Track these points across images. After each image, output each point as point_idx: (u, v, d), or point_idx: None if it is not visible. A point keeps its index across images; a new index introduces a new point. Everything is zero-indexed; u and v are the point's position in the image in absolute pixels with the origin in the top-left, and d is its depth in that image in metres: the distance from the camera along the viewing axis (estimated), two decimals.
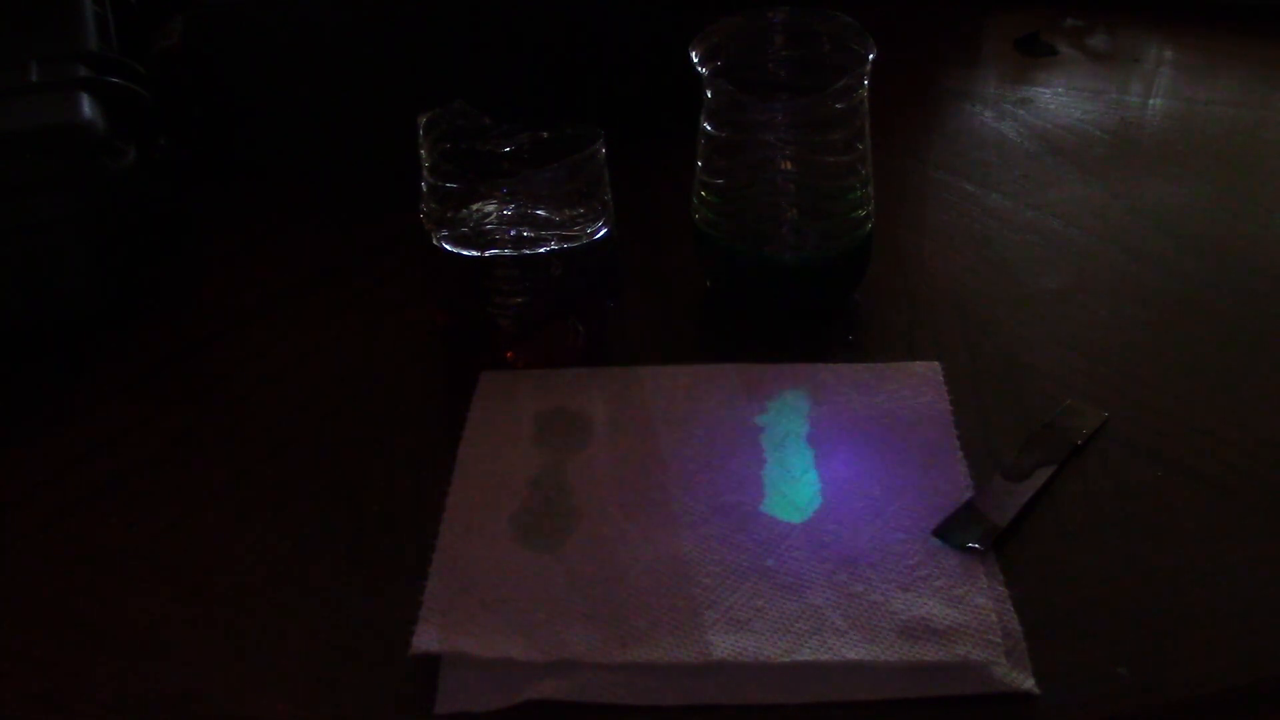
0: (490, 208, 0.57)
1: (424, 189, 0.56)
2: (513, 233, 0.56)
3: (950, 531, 0.47)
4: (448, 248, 0.56)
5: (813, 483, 0.50)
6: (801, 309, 0.62)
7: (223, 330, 0.64)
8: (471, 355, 0.58)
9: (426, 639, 0.43)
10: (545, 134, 0.58)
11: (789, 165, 0.58)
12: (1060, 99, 0.86)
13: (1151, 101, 0.87)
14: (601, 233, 0.57)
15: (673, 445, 0.52)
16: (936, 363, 0.57)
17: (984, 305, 0.63)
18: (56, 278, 0.62)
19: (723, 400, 0.55)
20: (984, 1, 1.03)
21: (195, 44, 0.76)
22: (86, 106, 0.62)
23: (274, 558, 0.48)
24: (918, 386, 0.55)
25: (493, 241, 0.56)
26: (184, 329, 0.64)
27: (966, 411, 0.54)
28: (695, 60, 0.57)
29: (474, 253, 0.56)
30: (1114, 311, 0.62)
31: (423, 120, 0.56)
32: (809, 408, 0.54)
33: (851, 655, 0.42)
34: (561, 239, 0.56)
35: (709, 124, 0.58)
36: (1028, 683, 0.41)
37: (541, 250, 0.56)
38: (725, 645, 0.42)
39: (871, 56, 0.56)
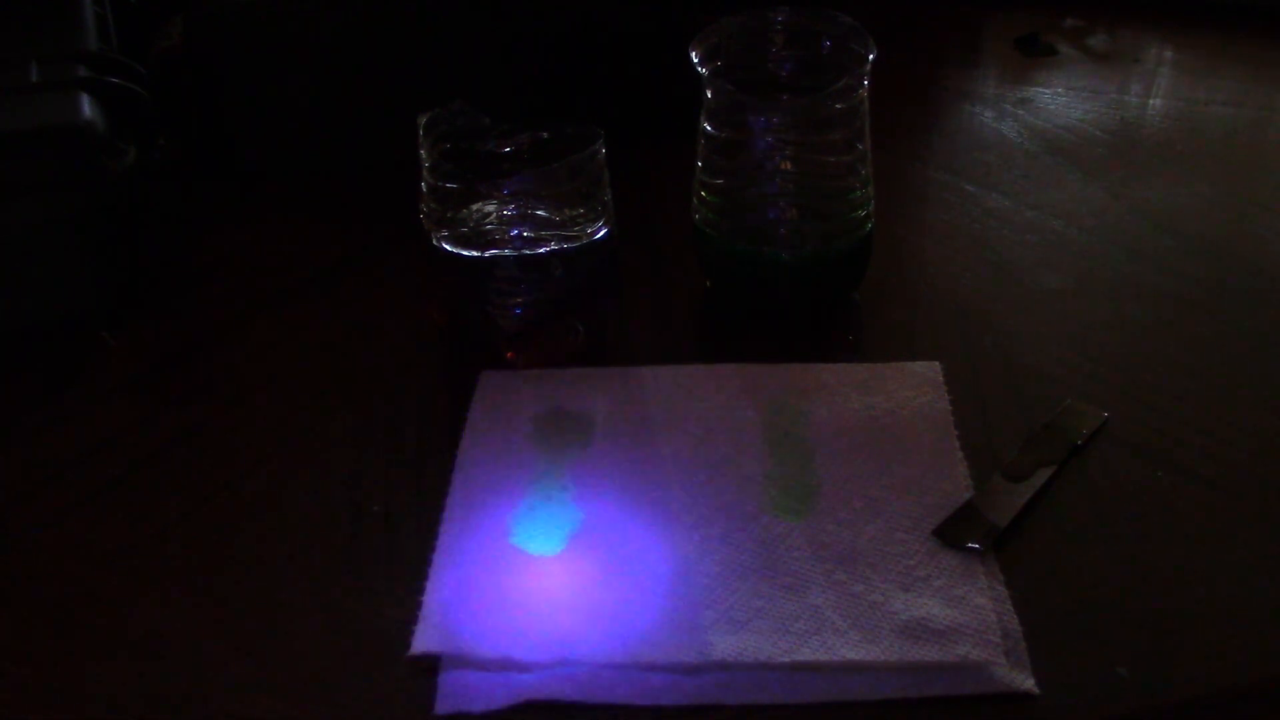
0: (490, 208, 0.57)
1: (424, 189, 0.56)
2: (513, 233, 0.56)
3: (950, 531, 0.47)
4: (448, 248, 0.56)
5: (813, 483, 0.50)
6: (801, 309, 0.62)
7: (223, 330, 0.64)
8: (471, 355, 0.58)
9: (426, 639, 0.43)
10: (545, 134, 0.58)
11: (789, 165, 0.58)
12: (1060, 99, 0.86)
13: (1151, 101, 0.87)
14: (601, 233, 0.57)
15: (673, 445, 0.52)
16: (936, 363, 0.57)
17: (984, 305, 0.63)
18: (56, 278, 0.62)
19: (723, 400, 0.55)
20: (984, 1, 1.03)
21: (195, 44, 0.76)
22: (86, 106, 0.62)
23: (274, 557, 0.48)
24: (918, 386, 0.55)
25: (493, 241, 0.56)
26: (184, 329, 0.64)
27: (966, 411, 0.54)
28: (695, 60, 0.57)
29: (474, 253, 0.56)
30: (1114, 311, 0.62)
31: (423, 120, 0.56)
32: (809, 407, 0.54)
33: (851, 655, 0.42)
34: (561, 239, 0.56)
35: (709, 124, 0.58)
36: (1027, 683, 0.41)
37: (541, 250, 0.56)
38: (725, 645, 0.42)
39: (871, 56, 0.56)
